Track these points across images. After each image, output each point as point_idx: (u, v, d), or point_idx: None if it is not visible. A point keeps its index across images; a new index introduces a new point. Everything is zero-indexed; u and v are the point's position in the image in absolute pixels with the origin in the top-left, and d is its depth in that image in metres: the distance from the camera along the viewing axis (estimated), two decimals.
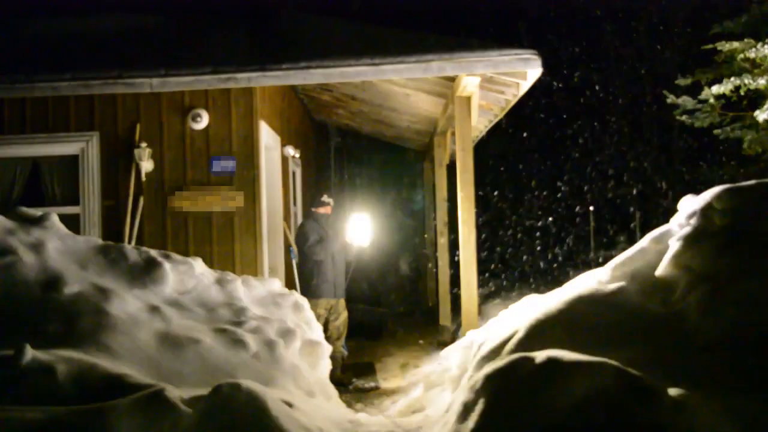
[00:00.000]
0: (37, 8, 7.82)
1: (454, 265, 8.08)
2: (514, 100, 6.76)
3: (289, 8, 7.50)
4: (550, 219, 12.40)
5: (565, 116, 13.01)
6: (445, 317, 8.66)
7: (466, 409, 2.72)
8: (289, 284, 6.74)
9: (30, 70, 5.91)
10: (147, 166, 6.01)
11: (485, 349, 3.51)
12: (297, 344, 4.30)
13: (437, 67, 5.67)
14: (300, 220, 8.51)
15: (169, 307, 3.80)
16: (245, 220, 6.05)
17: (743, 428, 2.21)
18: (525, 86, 6.10)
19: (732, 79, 7.32)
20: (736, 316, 2.77)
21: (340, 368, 6.51)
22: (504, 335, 3.42)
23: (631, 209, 11.84)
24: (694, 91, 8.38)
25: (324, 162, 11.99)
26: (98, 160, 6.11)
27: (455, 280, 6.98)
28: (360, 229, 6.94)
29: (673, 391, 2.33)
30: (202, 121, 6.03)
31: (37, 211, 4.34)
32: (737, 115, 8.17)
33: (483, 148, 11.16)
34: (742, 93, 7.51)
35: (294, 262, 6.99)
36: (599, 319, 3.10)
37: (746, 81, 7.17)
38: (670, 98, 8.48)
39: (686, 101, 8.37)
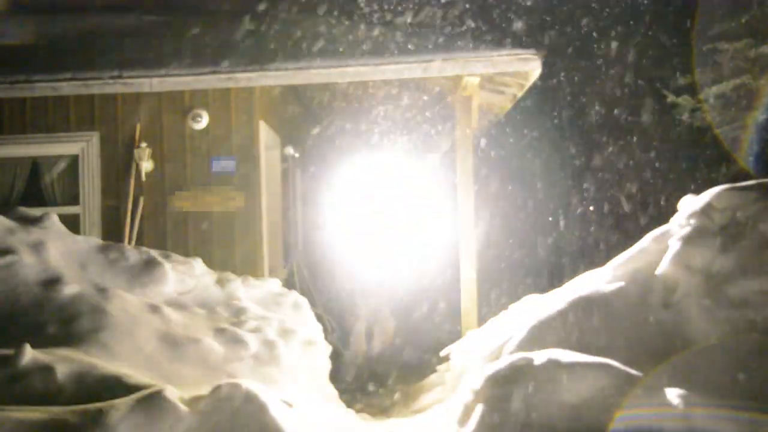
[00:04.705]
0: (37, 7, 7.80)
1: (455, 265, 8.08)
2: (514, 100, 6.76)
3: (289, 7, 7.50)
4: (550, 218, 12.39)
5: (565, 116, 13.00)
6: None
7: (467, 410, 2.73)
8: (289, 284, 6.73)
9: (30, 70, 5.91)
10: (147, 166, 6.01)
11: (485, 350, 3.51)
12: (297, 344, 4.30)
13: (437, 67, 5.67)
14: (301, 220, 8.50)
15: (169, 307, 3.80)
16: (245, 220, 6.05)
17: (743, 428, 2.21)
18: (525, 85, 6.11)
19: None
20: (736, 316, 2.77)
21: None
22: (504, 336, 3.42)
23: (632, 209, 11.83)
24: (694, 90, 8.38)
25: (325, 161, 11.98)
26: (98, 160, 6.11)
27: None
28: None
29: (673, 391, 2.33)
30: (202, 121, 6.03)
31: (37, 211, 4.34)
32: (737, 115, 8.16)
33: (482, 147, 11.14)
34: (741, 93, 7.51)
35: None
36: (599, 319, 3.10)
37: (746, 81, 7.18)
38: (671, 98, 8.48)
39: (686, 101, 8.37)
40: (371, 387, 6.36)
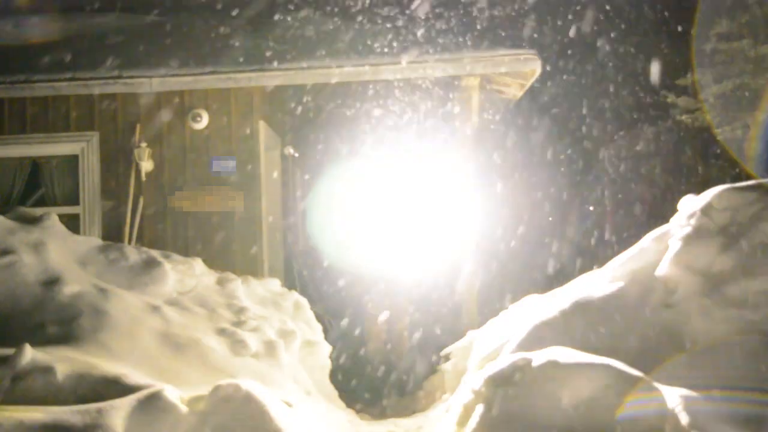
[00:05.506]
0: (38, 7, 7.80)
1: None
2: (514, 100, 6.77)
3: (289, 8, 7.50)
4: (550, 218, 12.39)
5: (564, 116, 13.00)
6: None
7: (466, 411, 2.73)
8: (289, 284, 6.73)
9: (30, 70, 5.91)
10: (147, 166, 6.01)
11: (485, 350, 3.51)
12: (297, 344, 4.31)
13: (437, 67, 5.68)
14: (301, 220, 8.49)
15: (169, 307, 3.80)
16: (245, 220, 6.05)
17: (743, 428, 2.21)
18: (525, 86, 6.11)
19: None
20: (736, 316, 2.77)
21: None
22: (504, 335, 3.42)
23: (631, 209, 11.83)
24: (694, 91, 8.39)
25: (325, 161, 11.95)
26: (98, 160, 6.11)
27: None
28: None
29: (673, 392, 2.33)
30: (202, 121, 6.03)
31: (37, 211, 4.34)
32: (737, 115, 8.17)
33: (482, 147, 11.13)
34: (741, 93, 7.52)
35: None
36: (599, 319, 3.10)
37: (746, 81, 7.18)
38: (671, 98, 8.49)
39: (686, 101, 8.37)
40: (375, 388, 6.36)
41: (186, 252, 5.69)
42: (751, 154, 8.08)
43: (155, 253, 4.33)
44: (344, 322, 6.88)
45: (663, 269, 3.17)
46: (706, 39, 8.11)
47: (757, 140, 7.72)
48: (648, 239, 3.47)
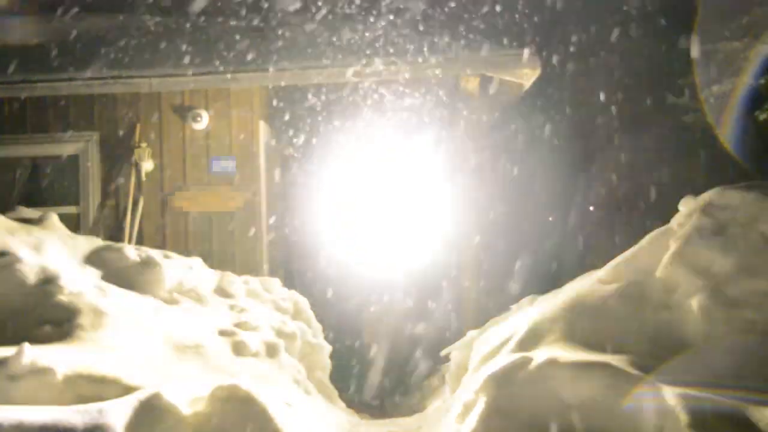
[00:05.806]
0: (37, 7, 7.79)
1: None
2: (514, 100, 6.77)
3: (290, 8, 7.51)
4: (550, 218, 12.37)
5: (564, 116, 12.98)
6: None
7: (466, 410, 2.73)
8: (289, 284, 6.73)
9: (30, 70, 5.92)
10: (147, 166, 6.02)
11: (485, 349, 3.51)
12: (297, 344, 4.31)
13: (437, 67, 5.68)
14: (301, 220, 8.49)
15: (169, 307, 3.80)
16: (245, 220, 6.05)
17: (743, 428, 2.21)
18: (525, 85, 6.12)
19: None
20: (736, 316, 2.77)
21: None
22: (504, 335, 3.42)
23: (632, 209, 11.81)
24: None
25: (324, 161, 11.96)
26: (98, 160, 6.11)
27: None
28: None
29: (673, 392, 2.32)
30: (202, 121, 6.03)
31: (37, 211, 4.34)
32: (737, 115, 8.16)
33: (482, 147, 11.12)
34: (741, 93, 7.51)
35: None
36: (599, 319, 3.10)
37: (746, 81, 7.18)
38: (671, 98, 8.48)
39: (686, 101, 8.37)
40: (375, 388, 6.37)
41: (186, 252, 5.69)
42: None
43: (155, 253, 4.33)
44: (344, 321, 6.89)
45: (663, 269, 3.17)
46: (706, 39, 8.10)
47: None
48: (648, 239, 3.47)
